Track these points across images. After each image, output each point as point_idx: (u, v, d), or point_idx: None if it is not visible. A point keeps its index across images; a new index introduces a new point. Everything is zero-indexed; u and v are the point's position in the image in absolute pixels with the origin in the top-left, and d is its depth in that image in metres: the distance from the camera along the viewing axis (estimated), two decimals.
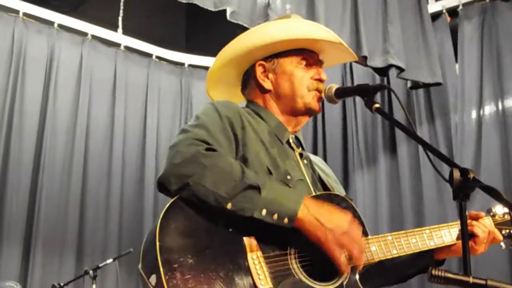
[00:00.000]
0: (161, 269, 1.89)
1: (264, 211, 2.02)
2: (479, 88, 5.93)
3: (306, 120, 2.53)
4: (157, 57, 7.69)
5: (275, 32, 2.47)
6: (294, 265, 2.08)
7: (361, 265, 2.13)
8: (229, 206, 2.00)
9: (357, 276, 2.16)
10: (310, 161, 2.52)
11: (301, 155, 2.48)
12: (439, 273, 1.62)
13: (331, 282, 2.11)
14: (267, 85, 2.49)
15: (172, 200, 2.04)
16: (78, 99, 6.90)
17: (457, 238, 2.42)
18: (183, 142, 2.12)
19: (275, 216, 2.02)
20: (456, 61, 6.23)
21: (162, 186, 2.08)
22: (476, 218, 2.46)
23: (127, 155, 7.14)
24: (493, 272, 5.04)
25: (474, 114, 5.94)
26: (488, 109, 5.90)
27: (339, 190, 2.56)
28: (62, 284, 5.51)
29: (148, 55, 7.64)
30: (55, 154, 6.61)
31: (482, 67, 5.96)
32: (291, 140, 2.47)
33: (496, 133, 5.77)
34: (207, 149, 2.08)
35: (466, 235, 1.81)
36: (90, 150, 6.88)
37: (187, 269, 1.91)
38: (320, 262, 2.10)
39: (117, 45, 7.38)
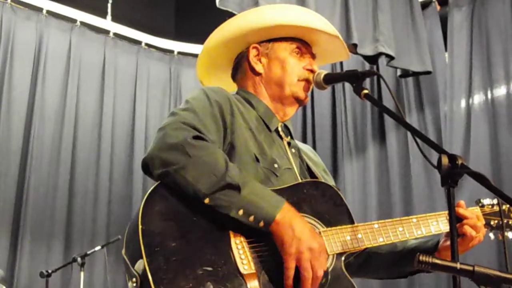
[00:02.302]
0: (143, 252, 1.87)
1: (241, 212, 1.99)
2: (468, 77, 5.93)
3: (294, 110, 2.51)
4: (146, 44, 7.68)
5: (275, 16, 2.47)
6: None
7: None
8: (206, 201, 1.98)
9: (342, 263, 2.14)
10: (298, 150, 2.50)
11: (289, 144, 2.46)
12: (426, 259, 1.61)
13: None
14: (259, 68, 2.48)
15: (155, 184, 2.02)
16: (66, 86, 6.88)
17: (444, 228, 2.38)
18: (171, 126, 2.10)
19: (251, 218, 1.99)
20: (446, 49, 6.23)
21: (146, 167, 2.06)
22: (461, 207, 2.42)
23: (116, 142, 7.13)
24: (482, 261, 5.05)
25: (463, 103, 5.95)
26: (478, 98, 5.91)
27: (327, 179, 2.53)
28: (50, 271, 5.50)
29: (137, 42, 7.62)
30: (43, 141, 6.60)
31: (471, 56, 5.96)
32: (279, 128, 2.45)
33: (485, 122, 5.78)
34: (195, 137, 2.05)
35: (454, 221, 1.81)
36: (78, 137, 6.86)
37: (169, 253, 1.90)
38: None
39: (106, 32, 7.36)
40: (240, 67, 2.55)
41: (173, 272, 1.88)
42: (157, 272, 1.86)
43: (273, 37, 2.49)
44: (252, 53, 2.49)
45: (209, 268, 1.92)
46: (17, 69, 6.61)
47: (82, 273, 5.51)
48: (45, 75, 6.75)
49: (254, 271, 1.97)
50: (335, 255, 2.14)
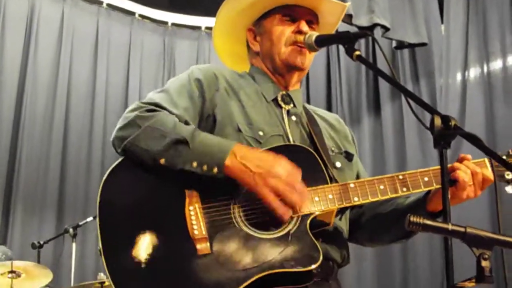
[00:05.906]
0: (98, 223, 2.06)
1: (194, 164, 2.07)
2: (464, 50, 5.90)
3: (294, 78, 2.50)
4: (140, 15, 7.63)
5: None
6: (237, 215, 2.09)
7: (302, 208, 2.07)
8: (162, 161, 2.09)
9: (307, 225, 2.10)
10: (300, 118, 2.48)
11: (288, 112, 2.45)
12: (417, 220, 1.58)
13: (276, 231, 2.08)
14: (256, 47, 2.54)
15: (118, 160, 2.17)
16: (59, 57, 6.85)
17: (437, 183, 2.24)
18: (131, 107, 2.22)
19: (205, 167, 2.07)
20: (442, 22, 6.19)
21: (114, 148, 2.20)
22: (462, 160, 2.29)
23: (108, 114, 7.10)
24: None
25: (459, 76, 5.92)
26: (473, 71, 5.88)
27: (347, 147, 2.54)
28: (42, 242, 5.49)
29: (131, 13, 7.57)
30: (35, 112, 6.57)
31: (467, 29, 5.92)
32: (279, 98, 2.46)
33: (480, 95, 5.75)
34: (147, 110, 2.17)
35: (446, 183, 1.77)
36: (71, 108, 6.84)
37: (120, 223, 2.07)
38: (265, 212, 2.07)
39: (100, 2, 7.32)
40: (248, 50, 2.62)
41: (122, 239, 2.05)
42: (107, 240, 2.03)
43: (262, 13, 2.52)
44: (250, 36, 2.56)
45: (159, 234, 2.05)
46: (9, 39, 6.58)
47: (74, 244, 5.50)
48: (37, 45, 6.72)
49: (205, 236, 2.05)
50: (300, 217, 2.11)
